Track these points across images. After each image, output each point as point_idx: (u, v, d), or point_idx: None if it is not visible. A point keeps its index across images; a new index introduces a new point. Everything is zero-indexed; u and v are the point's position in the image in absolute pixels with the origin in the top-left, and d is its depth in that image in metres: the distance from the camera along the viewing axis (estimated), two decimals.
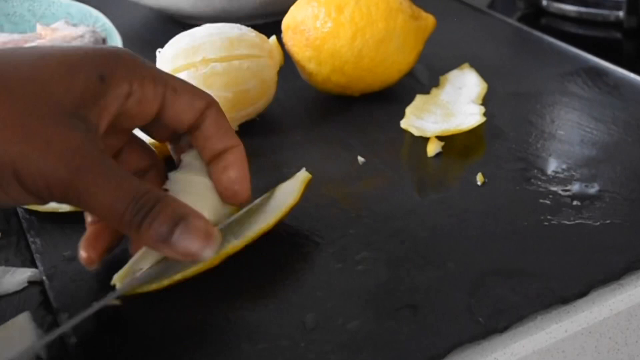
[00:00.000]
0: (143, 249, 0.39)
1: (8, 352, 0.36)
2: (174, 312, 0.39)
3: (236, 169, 0.41)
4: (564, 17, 0.77)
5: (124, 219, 0.35)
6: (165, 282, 0.39)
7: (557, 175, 0.49)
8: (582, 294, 0.40)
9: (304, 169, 0.46)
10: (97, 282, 0.41)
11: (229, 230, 0.42)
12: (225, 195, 0.41)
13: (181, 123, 0.40)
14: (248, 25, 0.56)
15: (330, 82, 0.58)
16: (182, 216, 0.36)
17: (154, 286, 0.39)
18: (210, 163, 0.41)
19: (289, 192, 0.45)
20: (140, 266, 0.39)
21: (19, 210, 0.48)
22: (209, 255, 0.36)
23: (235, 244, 0.41)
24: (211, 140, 0.41)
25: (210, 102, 0.41)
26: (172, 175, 0.42)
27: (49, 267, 0.42)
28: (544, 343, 0.38)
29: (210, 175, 0.41)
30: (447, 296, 0.39)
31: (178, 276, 0.39)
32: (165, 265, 0.39)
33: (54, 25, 0.67)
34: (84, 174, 0.35)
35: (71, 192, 0.35)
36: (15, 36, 0.65)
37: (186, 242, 0.36)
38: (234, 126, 0.55)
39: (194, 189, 0.41)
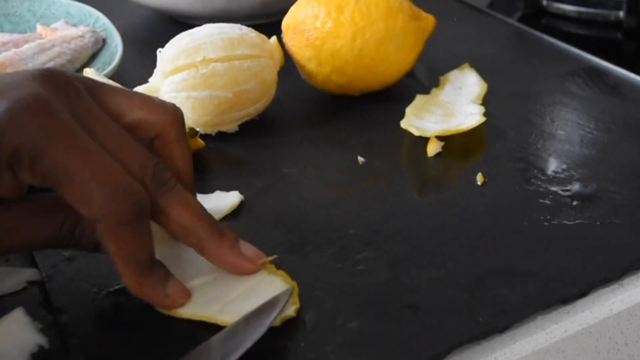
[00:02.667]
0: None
1: (7, 345, 0.36)
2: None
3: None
4: (564, 17, 0.77)
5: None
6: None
7: (557, 175, 0.49)
8: (582, 294, 0.40)
9: (289, 289, 0.39)
10: (97, 282, 0.41)
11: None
12: None
13: None
14: (248, 25, 0.56)
15: (330, 82, 0.58)
16: None
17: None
18: None
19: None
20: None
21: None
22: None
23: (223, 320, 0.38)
24: None
25: None
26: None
27: (49, 267, 0.42)
28: (544, 343, 0.38)
29: None
30: (447, 296, 0.39)
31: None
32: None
33: (54, 25, 0.67)
34: None
35: None
36: (15, 36, 0.65)
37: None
38: (234, 126, 0.55)
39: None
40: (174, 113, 0.41)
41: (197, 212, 0.39)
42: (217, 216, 0.46)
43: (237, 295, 0.39)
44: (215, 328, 0.37)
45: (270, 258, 0.41)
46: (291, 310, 0.38)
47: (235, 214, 0.46)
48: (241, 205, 0.47)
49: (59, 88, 0.37)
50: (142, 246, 0.37)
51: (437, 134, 0.52)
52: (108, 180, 0.35)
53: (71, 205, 0.35)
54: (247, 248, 0.40)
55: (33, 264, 0.43)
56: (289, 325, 0.38)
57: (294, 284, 0.39)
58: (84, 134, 0.36)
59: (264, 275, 0.40)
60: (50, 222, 0.38)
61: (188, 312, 0.38)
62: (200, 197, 0.46)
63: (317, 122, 0.57)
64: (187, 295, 0.38)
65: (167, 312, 0.38)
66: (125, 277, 0.37)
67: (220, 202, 0.47)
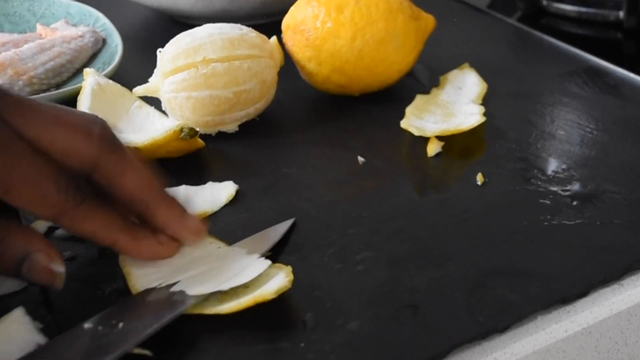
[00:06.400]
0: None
1: (7, 345, 0.36)
2: None
3: None
4: (564, 17, 0.77)
5: None
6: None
7: (557, 175, 0.49)
8: (582, 294, 0.40)
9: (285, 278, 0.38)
10: (97, 282, 0.41)
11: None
12: None
13: None
14: (248, 25, 0.56)
15: (330, 82, 0.58)
16: (26, 252, 0.38)
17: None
18: None
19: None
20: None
21: (19, 211, 0.48)
22: (60, 285, 0.39)
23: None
24: None
25: None
26: None
27: None
28: (544, 343, 0.38)
29: None
30: (447, 296, 0.39)
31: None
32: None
33: (53, 25, 0.67)
34: None
35: None
36: (15, 36, 0.65)
37: (34, 277, 0.38)
38: (234, 126, 0.55)
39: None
40: (101, 141, 0.39)
41: (148, 179, 0.40)
42: (215, 207, 0.47)
43: (231, 275, 0.39)
44: (214, 321, 0.37)
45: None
46: (286, 282, 0.38)
47: (235, 213, 0.46)
48: (241, 204, 0.47)
49: None
50: (111, 213, 0.39)
51: (437, 134, 0.52)
52: (49, 180, 0.37)
53: (26, 209, 0.38)
54: (192, 220, 0.41)
55: None
56: (289, 325, 0.38)
57: (289, 268, 0.39)
58: (19, 138, 0.37)
59: (258, 256, 0.41)
60: None
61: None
62: (194, 190, 0.48)
63: (317, 122, 0.57)
64: (176, 242, 0.40)
65: None
66: (120, 242, 0.39)
67: (215, 193, 0.48)
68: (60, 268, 0.38)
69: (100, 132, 0.39)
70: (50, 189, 0.37)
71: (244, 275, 0.39)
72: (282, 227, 0.44)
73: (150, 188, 0.40)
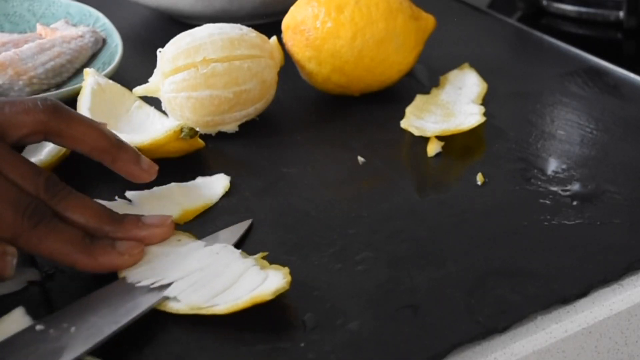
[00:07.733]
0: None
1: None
2: (172, 314, 0.39)
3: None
4: (564, 17, 0.77)
5: None
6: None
7: (557, 175, 0.49)
8: (582, 294, 0.40)
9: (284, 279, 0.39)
10: (97, 282, 0.41)
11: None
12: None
13: None
14: (248, 25, 0.56)
15: (330, 82, 0.58)
16: None
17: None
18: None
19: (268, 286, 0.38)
20: None
21: None
22: (10, 272, 0.39)
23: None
24: None
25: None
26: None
27: (49, 267, 0.42)
28: (544, 343, 0.38)
29: None
30: (447, 296, 0.39)
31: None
32: None
33: (53, 25, 0.67)
34: None
35: None
36: (15, 36, 0.65)
37: None
38: (234, 126, 0.55)
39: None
40: (46, 108, 0.42)
41: (93, 210, 0.41)
42: (214, 199, 0.48)
43: (227, 284, 0.39)
44: (213, 321, 0.37)
45: (262, 254, 0.41)
46: (284, 283, 0.38)
47: (235, 213, 0.46)
48: (241, 205, 0.47)
49: None
50: (69, 235, 0.40)
51: (437, 134, 0.52)
52: (6, 202, 0.38)
53: None
54: (152, 219, 0.43)
55: (33, 264, 0.43)
56: (289, 325, 0.38)
57: (286, 269, 0.39)
58: None
59: (253, 264, 0.40)
60: None
61: (182, 307, 0.38)
62: (185, 185, 0.48)
63: (317, 122, 0.57)
64: (139, 246, 0.41)
65: (162, 309, 0.38)
66: (79, 262, 0.40)
67: (209, 186, 0.49)
68: (10, 249, 0.39)
69: (44, 102, 0.42)
70: (6, 210, 0.38)
71: (239, 289, 0.38)
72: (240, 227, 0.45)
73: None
